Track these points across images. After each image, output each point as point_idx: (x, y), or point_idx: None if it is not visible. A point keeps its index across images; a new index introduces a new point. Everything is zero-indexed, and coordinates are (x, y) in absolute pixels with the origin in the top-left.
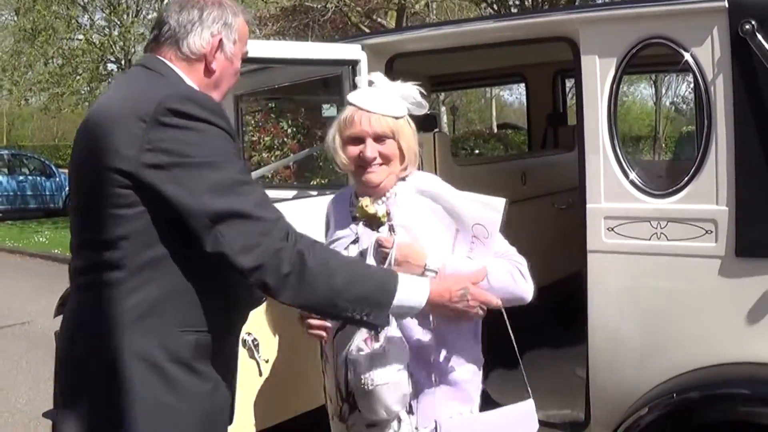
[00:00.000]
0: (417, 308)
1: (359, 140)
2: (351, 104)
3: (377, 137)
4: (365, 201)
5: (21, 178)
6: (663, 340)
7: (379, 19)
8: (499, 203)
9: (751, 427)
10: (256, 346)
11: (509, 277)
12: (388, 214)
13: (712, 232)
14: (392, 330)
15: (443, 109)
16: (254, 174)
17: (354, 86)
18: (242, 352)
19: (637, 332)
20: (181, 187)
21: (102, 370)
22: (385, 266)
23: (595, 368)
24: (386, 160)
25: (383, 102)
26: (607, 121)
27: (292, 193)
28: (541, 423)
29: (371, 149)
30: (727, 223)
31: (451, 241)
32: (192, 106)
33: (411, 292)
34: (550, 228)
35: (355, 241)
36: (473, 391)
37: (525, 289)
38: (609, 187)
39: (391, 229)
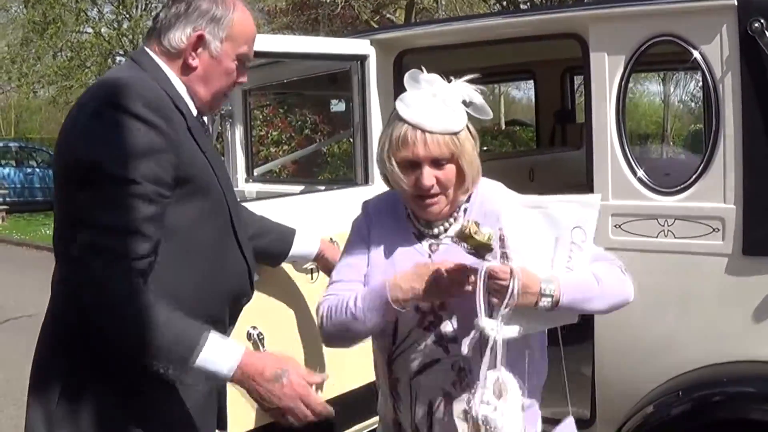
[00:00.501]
0: (220, 375)
1: (415, 164)
2: (403, 120)
3: (435, 161)
4: (473, 226)
5: (29, 170)
6: (669, 338)
7: (387, 15)
8: (595, 200)
9: (757, 425)
10: (261, 339)
11: (618, 276)
12: (501, 239)
13: (719, 230)
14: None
15: None
16: (261, 169)
17: (362, 82)
18: (247, 346)
19: (643, 330)
20: (84, 192)
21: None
22: (506, 302)
23: (601, 366)
24: (444, 188)
25: (441, 116)
26: (615, 118)
27: (300, 188)
28: (547, 420)
29: (428, 177)
30: (735, 221)
31: (550, 254)
32: (117, 107)
33: (218, 354)
34: None
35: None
36: (538, 412)
37: (630, 289)
38: (617, 184)
39: (504, 256)
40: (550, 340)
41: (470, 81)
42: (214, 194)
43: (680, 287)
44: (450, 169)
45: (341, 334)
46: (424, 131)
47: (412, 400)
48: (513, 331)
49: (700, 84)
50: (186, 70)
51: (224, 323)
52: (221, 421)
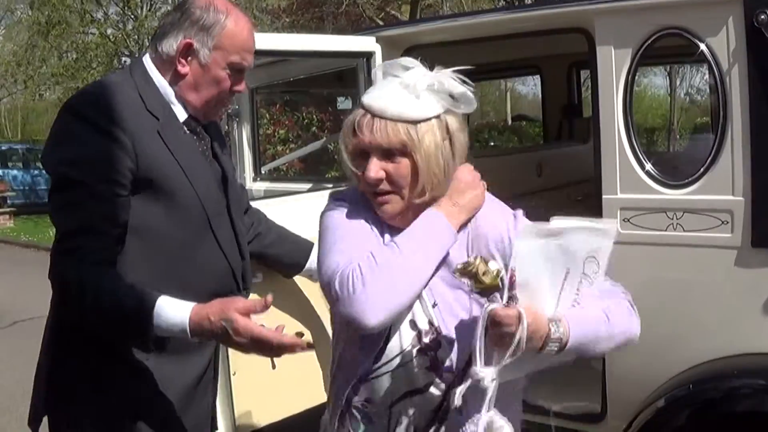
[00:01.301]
0: (182, 335)
1: (365, 154)
2: (360, 105)
3: (385, 152)
4: (481, 265)
5: (35, 172)
6: (679, 332)
7: (393, 12)
8: (611, 227)
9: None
10: None
11: (627, 313)
12: (512, 281)
13: (728, 222)
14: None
15: None
16: (268, 166)
17: (369, 79)
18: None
19: (653, 323)
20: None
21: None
22: (510, 351)
23: (612, 360)
24: (395, 185)
25: (397, 100)
26: (622, 112)
27: (307, 185)
28: (558, 415)
29: (374, 168)
30: (743, 213)
31: (558, 288)
32: (75, 110)
33: (172, 316)
34: None
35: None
36: None
37: (638, 330)
38: (625, 178)
39: (512, 299)
40: None
41: (463, 73)
42: (181, 197)
43: (689, 280)
44: (402, 165)
45: (391, 289)
46: (374, 116)
47: (389, 427)
48: (508, 375)
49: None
50: (176, 76)
51: None
52: (213, 421)
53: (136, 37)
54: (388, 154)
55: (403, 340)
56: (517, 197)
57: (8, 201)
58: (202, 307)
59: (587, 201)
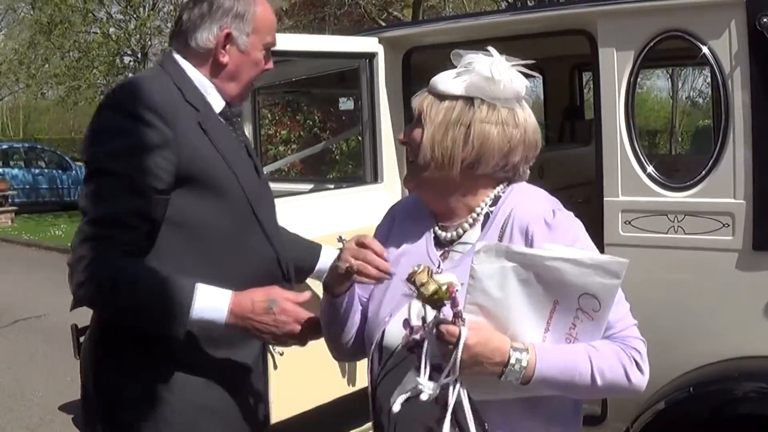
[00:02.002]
0: (217, 323)
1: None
2: None
3: (416, 119)
4: (422, 275)
5: (37, 171)
6: (680, 334)
7: (395, 13)
8: (619, 267)
9: None
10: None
11: (621, 371)
12: (453, 298)
13: (729, 225)
14: None
15: None
16: (270, 167)
17: (371, 80)
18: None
19: (653, 326)
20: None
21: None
22: (446, 371)
23: None
24: (413, 153)
25: (443, 76)
26: (624, 114)
27: (309, 186)
28: None
29: (407, 129)
30: (745, 216)
31: (544, 318)
32: (117, 103)
33: (210, 303)
34: None
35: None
36: None
37: (638, 384)
38: (626, 180)
39: (458, 316)
40: None
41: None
42: (226, 187)
43: (690, 283)
44: (417, 131)
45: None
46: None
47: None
48: (481, 394)
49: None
50: (216, 67)
51: None
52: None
53: (138, 36)
54: (417, 121)
55: (393, 339)
56: None
57: (9, 200)
58: (244, 291)
59: (589, 203)
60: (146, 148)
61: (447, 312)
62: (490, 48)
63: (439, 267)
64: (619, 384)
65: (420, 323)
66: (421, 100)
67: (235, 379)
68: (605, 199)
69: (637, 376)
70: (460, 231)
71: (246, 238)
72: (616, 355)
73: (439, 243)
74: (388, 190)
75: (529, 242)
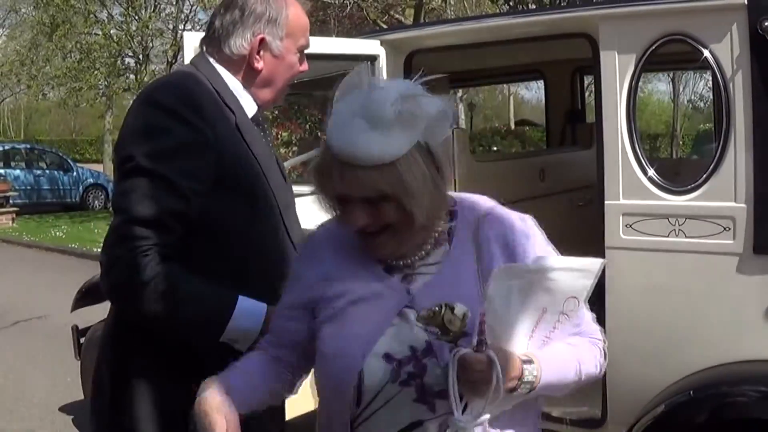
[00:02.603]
0: (252, 332)
1: (344, 198)
2: (327, 145)
3: (365, 199)
4: (447, 313)
5: (38, 172)
6: (680, 338)
7: (396, 16)
8: (594, 265)
9: None
10: None
11: (594, 363)
12: (482, 324)
13: (730, 229)
14: None
15: (461, 105)
16: None
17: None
18: None
19: (654, 329)
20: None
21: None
22: (488, 398)
23: (612, 365)
24: (390, 227)
25: (370, 142)
26: (626, 117)
27: (309, 189)
28: (558, 420)
29: (358, 216)
30: (745, 220)
31: (532, 326)
32: (157, 101)
33: (248, 314)
34: (568, 225)
35: (410, 305)
36: None
37: (602, 372)
38: (627, 183)
39: (482, 344)
40: None
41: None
42: (261, 193)
43: (691, 286)
44: (388, 209)
45: None
46: (343, 164)
47: None
48: (495, 410)
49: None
50: (251, 73)
51: None
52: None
53: (139, 38)
54: (370, 200)
55: (377, 378)
56: (520, 202)
57: (10, 201)
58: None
59: (590, 206)
60: (187, 148)
61: (463, 342)
62: (364, 72)
63: (409, 294)
64: (591, 375)
65: (408, 353)
66: (369, 182)
67: None
68: (606, 202)
69: (603, 365)
70: (422, 253)
71: (274, 243)
72: (590, 350)
73: (389, 270)
74: None
75: (510, 251)
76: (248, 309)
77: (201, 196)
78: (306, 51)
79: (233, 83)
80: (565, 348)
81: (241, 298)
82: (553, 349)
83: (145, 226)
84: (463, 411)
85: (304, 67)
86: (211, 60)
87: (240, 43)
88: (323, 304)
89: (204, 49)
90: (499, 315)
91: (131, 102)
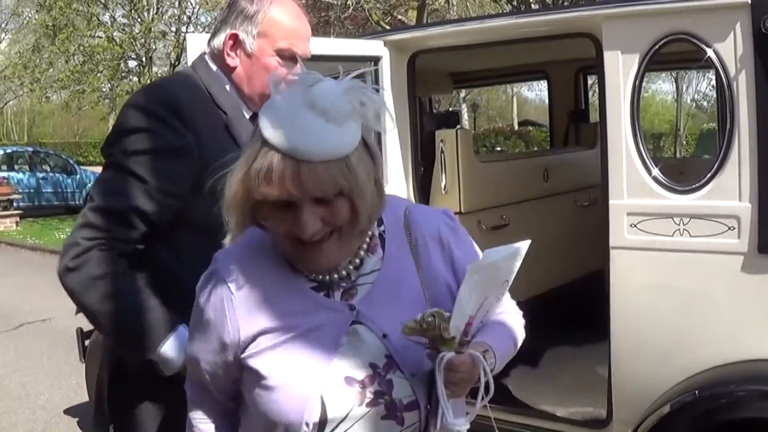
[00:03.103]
0: (174, 365)
1: (289, 204)
2: (268, 144)
3: (317, 200)
4: (440, 321)
5: (42, 175)
6: (685, 337)
7: (399, 16)
8: (524, 248)
9: None
10: None
11: (521, 334)
12: (468, 326)
13: (734, 228)
14: None
15: (464, 106)
16: None
17: (376, 83)
18: None
19: (659, 329)
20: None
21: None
22: (480, 396)
23: (617, 365)
24: (337, 228)
25: (323, 135)
26: (629, 117)
27: None
28: (564, 420)
29: (310, 221)
30: (750, 219)
31: (475, 313)
32: (139, 105)
33: (179, 345)
34: (572, 225)
35: (358, 321)
36: None
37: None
38: (632, 183)
39: (465, 345)
40: (567, 339)
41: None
42: None
43: (696, 286)
44: (340, 206)
45: None
46: (299, 161)
47: None
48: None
49: (714, 82)
50: (225, 68)
51: None
52: None
53: (142, 40)
54: (322, 200)
55: (341, 404)
56: (524, 202)
57: (14, 204)
58: None
59: (594, 206)
60: (166, 152)
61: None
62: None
63: (353, 311)
64: (518, 345)
65: (370, 372)
66: (329, 177)
67: None
68: (611, 202)
69: (524, 335)
70: (357, 262)
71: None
72: (518, 323)
73: (320, 288)
74: (393, 191)
75: (444, 246)
76: (182, 341)
77: (175, 198)
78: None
79: (226, 82)
80: (505, 327)
81: (182, 327)
82: (496, 331)
83: (108, 217)
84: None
85: (285, 72)
86: (208, 59)
87: (220, 39)
88: (256, 349)
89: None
90: (463, 311)
91: None
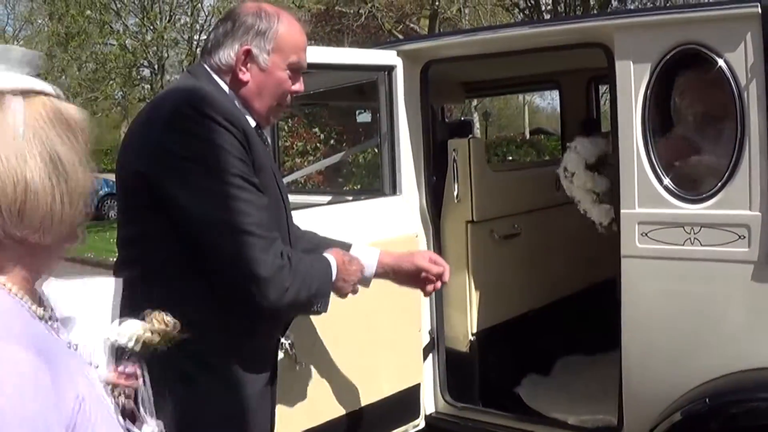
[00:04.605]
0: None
1: None
2: None
3: None
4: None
5: None
6: (696, 345)
7: (411, 25)
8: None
9: None
10: (293, 349)
11: None
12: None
13: (745, 237)
14: None
15: (475, 114)
16: (287, 179)
17: (389, 92)
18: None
19: (670, 337)
20: (182, 191)
21: None
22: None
23: (629, 373)
24: None
25: None
26: (641, 126)
27: (326, 198)
28: (575, 428)
29: None
30: (760, 228)
31: None
32: (199, 111)
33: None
34: (584, 234)
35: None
36: None
37: None
38: (643, 192)
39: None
40: (579, 347)
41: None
42: (273, 198)
43: (706, 294)
44: None
45: None
46: None
47: None
48: None
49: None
50: (237, 84)
51: (279, 329)
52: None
53: (155, 48)
54: None
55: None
56: (536, 211)
57: None
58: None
59: None
60: (242, 148)
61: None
62: None
63: (71, 346)
64: None
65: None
66: None
67: (251, 392)
68: (622, 211)
69: None
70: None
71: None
72: None
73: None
74: (406, 201)
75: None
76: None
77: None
78: (320, 61)
79: (231, 95)
80: None
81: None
82: None
83: (265, 230)
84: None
85: (298, 87)
86: (209, 70)
87: (228, 54)
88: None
89: (201, 60)
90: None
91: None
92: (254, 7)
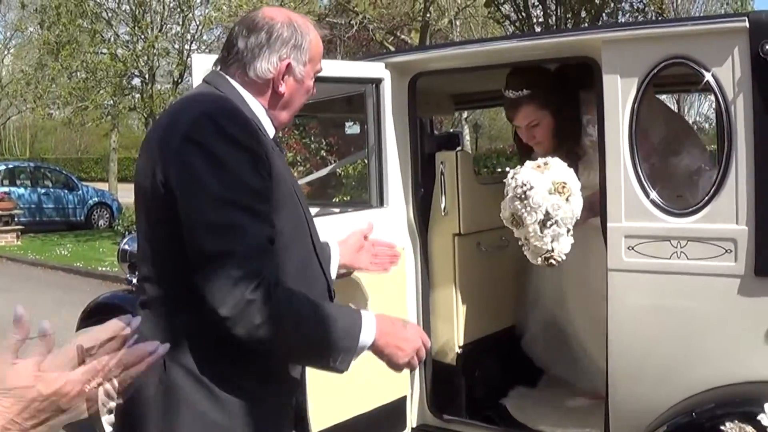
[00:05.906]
0: (366, 346)
1: None
2: None
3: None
4: None
5: (43, 190)
6: (682, 359)
7: (402, 36)
8: None
9: None
10: None
11: None
12: None
13: (731, 251)
14: None
15: (465, 127)
16: None
17: (377, 105)
18: None
19: (656, 351)
20: (188, 209)
21: (155, 385)
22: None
23: (615, 387)
24: None
25: None
26: (628, 140)
27: (314, 209)
28: None
29: None
30: (747, 242)
31: None
32: (218, 126)
33: (367, 331)
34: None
35: None
36: None
37: None
38: (629, 205)
39: None
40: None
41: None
42: (297, 213)
43: (693, 308)
44: None
45: None
46: None
47: None
48: None
49: (713, 106)
50: (275, 97)
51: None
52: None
53: (146, 57)
54: None
55: None
56: None
57: (16, 219)
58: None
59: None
60: (254, 174)
61: None
62: None
63: None
64: None
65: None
66: None
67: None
68: (608, 224)
69: None
70: None
71: (309, 266)
72: None
73: None
74: (393, 214)
75: None
76: (368, 321)
77: (271, 216)
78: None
79: (255, 105)
80: None
81: (365, 314)
82: None
83: (253, 259)
84: None
85: (314, 91)
86: (233, 81)
87: (266, 67)
88: None
89: (219, 69)
90: None
91: (158, 118)
92: (284, 17)
